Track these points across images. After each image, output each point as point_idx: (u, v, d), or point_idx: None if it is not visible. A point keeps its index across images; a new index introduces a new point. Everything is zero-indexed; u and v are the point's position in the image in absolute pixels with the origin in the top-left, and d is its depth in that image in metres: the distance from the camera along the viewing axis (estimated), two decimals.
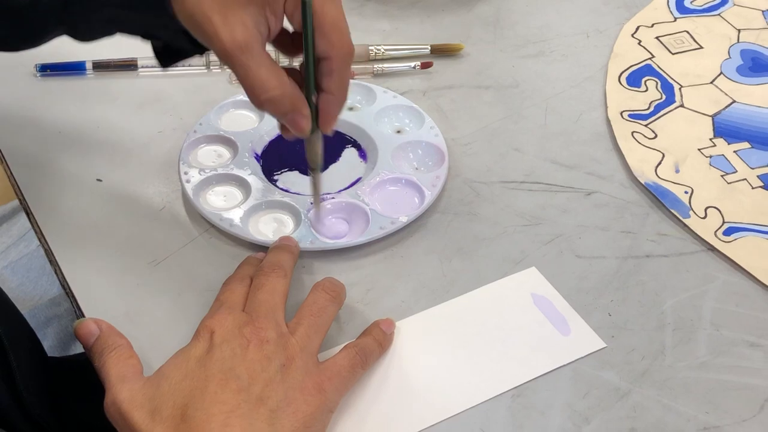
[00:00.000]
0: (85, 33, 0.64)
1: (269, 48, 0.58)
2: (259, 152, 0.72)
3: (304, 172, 0.71)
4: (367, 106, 0.76)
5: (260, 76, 0.55)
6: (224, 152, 0.72)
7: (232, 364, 0.53)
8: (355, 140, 0.74)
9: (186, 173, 0.69)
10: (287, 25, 0.58)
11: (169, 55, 0.64)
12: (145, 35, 0.63)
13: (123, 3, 0.59)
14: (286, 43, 0.60)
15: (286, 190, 0.69)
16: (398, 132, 0.75)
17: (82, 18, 0.61)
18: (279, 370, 0.53)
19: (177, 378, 0.53)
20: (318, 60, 0.56)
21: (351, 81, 0.78)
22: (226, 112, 0.75)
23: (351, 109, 0.76)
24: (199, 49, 0.61)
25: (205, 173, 0.69)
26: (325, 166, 0.72)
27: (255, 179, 0.69)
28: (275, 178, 0.71)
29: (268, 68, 0.55)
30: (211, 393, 0.51)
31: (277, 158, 0.72)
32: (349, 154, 0.73)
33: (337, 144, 0.74)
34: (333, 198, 0.68)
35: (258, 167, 0.71)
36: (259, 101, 0.56)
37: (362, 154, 0.73)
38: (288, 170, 0.71)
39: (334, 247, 0.65)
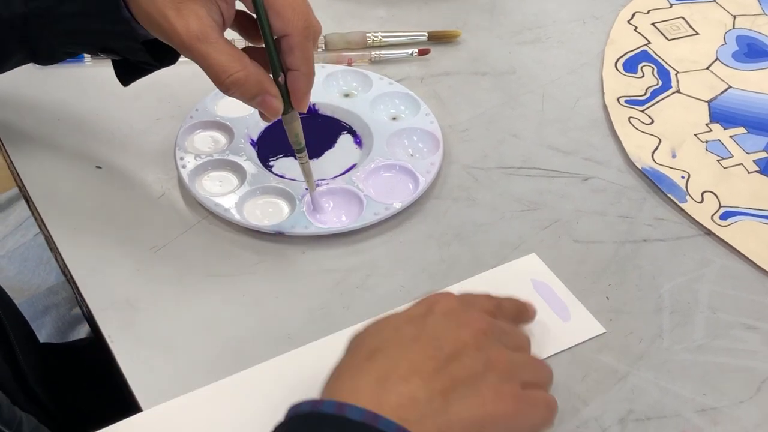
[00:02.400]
0: (47, 52, 0.64)
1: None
2: (255, 138, 0.73)
3: None
4: (363, 93, 0.76)
5: (221, 61, 0.56)
6: (220, 138, 0.72)
7: (439, 333, 0.51)
8: (350, 127, 0.75)
9: (182, 159, 0.69)
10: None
11: (129, 72, 0.65)
12: (103, 50, 0.63)
13: (80, 11, 0.59)
14: (249, 27, 0.61)
15: (282, 176, 0.70)
16: (394, 119, 0.75)
17: (42, 33, 0.62)
18: (483, 363, 0.50)
19: (382, 326, 0.52)
20: (278, 40, 0.57)
21: (348, 68, 0.78)
22: (222, 97, 0.75)
23: (347, 95, 0.77)
24: (158, 63, 0.63)
25: (200, 159, 0.69)
26: (321, 152, 0.72)
27: (250, 165, 0.69)
28: (271, 163, 0.71)
29: (228, 53, 0.56)
30: (406, 347, 0.49)
31: (273, 144, 0.72)
32: (345, 140, 0.74)
33: (332, 130, 0.74)
34: (328, 184, 0.68)
35: (254, 153, 0.71)
36: (224, 86, 0.57)
37: (357, 141, 0.74)
38: (284, 156, 0.71)
39: (328, 233, 0.65)
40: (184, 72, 0.79)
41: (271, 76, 0.59)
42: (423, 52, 0.82)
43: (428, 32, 0.84)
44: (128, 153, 0.72)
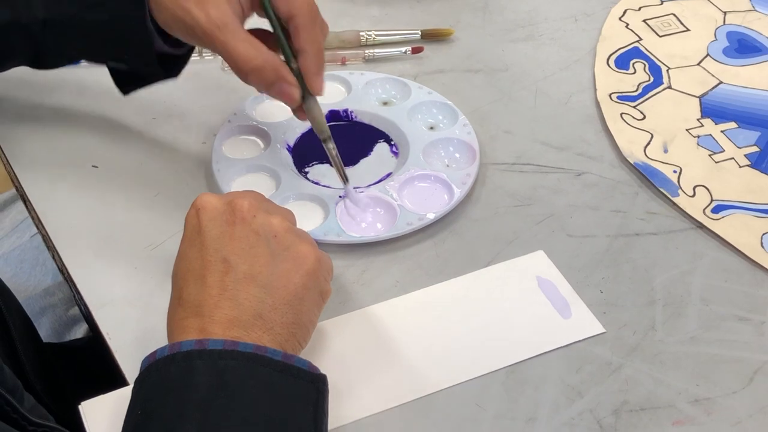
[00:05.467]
0: (50, 60, 0.66)
1: None
2: (292, 144, 0.73)
3: None
4: (401, 102, 0.76)
5: (239, 49, 0.59)
6: (257, 143, 0.73)
7: (219, 245, 0.53)
8: (387, 135, 0.74)
9: (218, 162, 0.69)
10: None
11: (129, 81, 0.67)
12: (113, 60, 0.65)
13: (104, 21, 0.61)
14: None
15: (317, 183, 0.69)
16: (431, 128, 0.75)
17: (57, 40, 0.63)
18: (266, 239, 0.54)
19: (178, 258, 0.55)
20: (286, 23, 0.59)
21: (388, 76, 0.78)
22: (260, 102, 0.76)
23: (386, 103, 0.76)
24: (165, 75, 0.65)
25: (236, 163, 0.70)
26: (356, 160, 0.71)
27: (285, 170, 0.69)
28: (306, 170, 0.71)
29: (247, 42, 0.59)
30: (201, 278, 0.53)
31: (309, 150, 0.72)
32: (381, 148, 0.73)
33: (369, 138, 0.74)
34: (362, 192, 0.68)
35: (289, 159, 0.71)
36: (243, 74, 0.59)
37: (394, 150, 0.73)
38: (319, 163, 0.71)
39: (360, 242, 0.65)
40: None
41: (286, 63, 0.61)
42: (416, 50, 0.82)
43: (421, 30, 0.84)
44: (124, 152, 0.73)
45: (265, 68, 0.59)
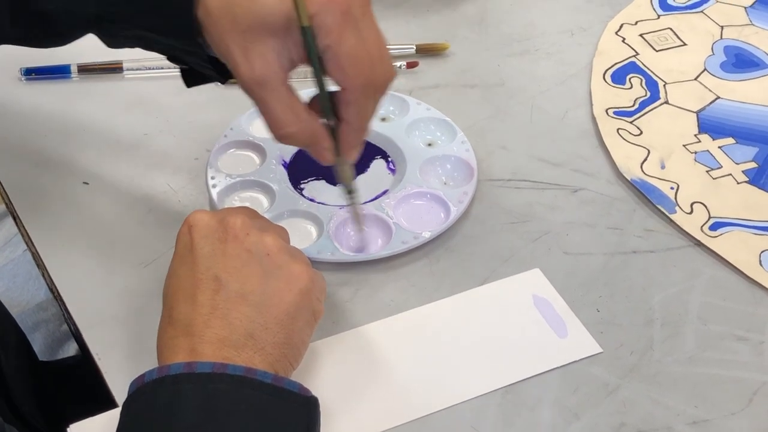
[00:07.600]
0: (112, 44, 0.63)
1: None
2: (287, 160, 0.72)
3: (331, 181, 0.70)
4: (399, 118, 0.75)
5: (276, 112, 0.55)
6: (253, 158, 0.72)
7: (211, 263, 0.53)
8: (384, 152, 0.73)
9: (213, 178, 0.69)
10: None
11: (194, 77, 0.64)
12: (171, 58, 0.62)
13: (152, 27, 0.58)
14: None
15: (312, 200, 0.69)
16: (429, 145, 0.74)
17: (111, 33, 0.61)
18: (259, 257, 0.53)
19: (169, 275, 0.55)
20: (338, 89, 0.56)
21: None
22: (257, 118, 0.75)
23: (383, 119, 0.76)
24: (223, 77, 0.61)
25: (231, 179, 0.69)
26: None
27: (281, 187, 0.69)
28: (302, 186, 0.70)
29: (285, 103, 0.55)
30: (192, 296, 0.52)
31: (305, 167, 0.71)
32: (378, 165, 0.73)
33: (366, 155, 0.73)
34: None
35: (285, 175, 0.70)
36: (277, 137, 0.56)
37: (391, 166, 0.73)
38: (315, 179, 0.71)
39: (354, 260, 0.64)
40: (171, 86, 0.79)
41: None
42: (411, 65, 0.82)
43: (416, 45, 0.84)
44: (116, 169, 0.72)
45: (300, 135, 0.56)
